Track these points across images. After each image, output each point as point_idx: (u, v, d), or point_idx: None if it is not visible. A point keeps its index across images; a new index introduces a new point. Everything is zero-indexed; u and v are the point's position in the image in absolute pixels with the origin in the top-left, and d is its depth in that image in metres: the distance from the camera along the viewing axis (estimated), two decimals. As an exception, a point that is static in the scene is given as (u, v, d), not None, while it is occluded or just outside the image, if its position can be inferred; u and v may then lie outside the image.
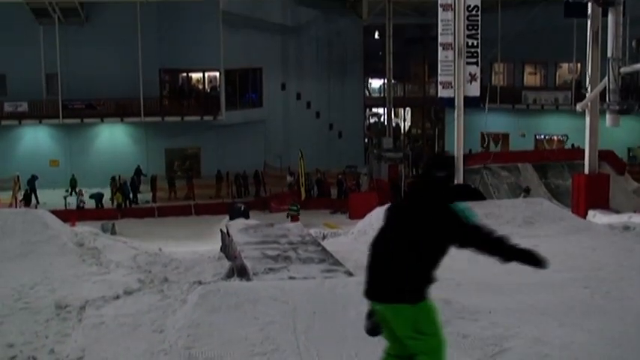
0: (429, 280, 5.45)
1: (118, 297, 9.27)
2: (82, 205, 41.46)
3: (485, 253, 5.66)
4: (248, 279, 9.45)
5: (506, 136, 51.25)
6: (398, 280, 5.38)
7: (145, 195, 43.98)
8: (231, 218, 27.48)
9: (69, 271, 10.85)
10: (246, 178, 45.01)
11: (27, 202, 41.20)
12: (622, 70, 22.93)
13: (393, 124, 52.77)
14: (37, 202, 41.56)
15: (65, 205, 40.80)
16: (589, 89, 24.11)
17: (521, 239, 12.32)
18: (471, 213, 5.49)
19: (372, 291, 5.56)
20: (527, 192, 33.58)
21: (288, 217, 35.71)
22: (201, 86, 49.23)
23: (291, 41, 52.58)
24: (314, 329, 7.34)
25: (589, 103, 24.08)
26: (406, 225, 5.51)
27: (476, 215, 5.52)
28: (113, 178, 42.84)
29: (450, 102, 28.14)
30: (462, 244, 5.55)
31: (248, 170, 44.99)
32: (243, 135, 47.26)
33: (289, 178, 45.76)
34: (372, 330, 5.74)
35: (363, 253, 11.32)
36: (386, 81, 50.62)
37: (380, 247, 5.64)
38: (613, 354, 6.85)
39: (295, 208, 37.31)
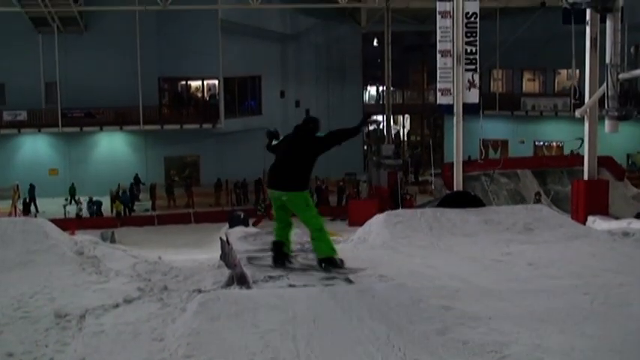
0: (308, 178, 10.25)
1: (117, 305, 9.25)
2: (93, 210, 41.66)
3: (337, 143, 10.47)
4: (248, 287, 9.44)
5: (505, 143, 51.30)
6: (293, 178, 9.98)
7: (144, 203, 44.03)
8: (231, 226, 27.48)
9: (68, 280, 10.84)
10: (245, 186, 45.04)
11: (26, 211, 41.23)
12: (620, 76, 22.96)
13: (393, 132, 52.81)
14: (37, 210, 41.58)
15: (64, 213, 40.84)
16: (586, 96, 24.13)
17: (521, 245, 12.44)
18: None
19: (276, 184, 10.12)
20: (538, 196, 33.65)
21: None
22: (200, 94, 49.31)
23: (290, 49, 52.68)
24: (314, 337, 7.33)
25: (588, 110, 24.11)
26: (295, 147, 10.14)
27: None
28: (133, 183, 43.27)
29: (448, 109, 28.17)
30: (325, 148, 10.27)
31: (248, 178, 45.01)
32: (242, 143, 47.29)
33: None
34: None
35: (363, 261, 11.36)
36: (385, 88, 50.70)
37: (281, 156, 10.24)
38: (613, 360, 6.86)
39: (259, 207, 37.82)
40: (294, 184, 10.00)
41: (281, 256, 10.36)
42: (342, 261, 10.16)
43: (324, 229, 10.22)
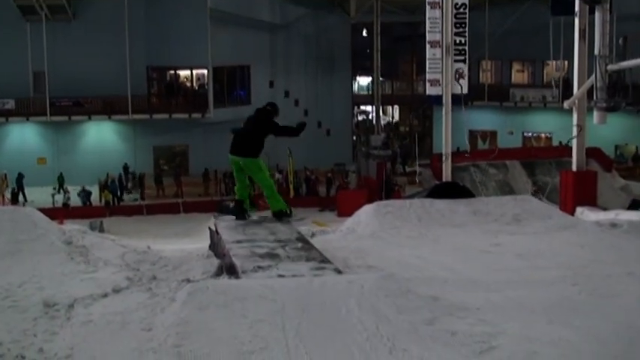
0: (261, 148, 12.47)
1: (106, 295, 9.23)
2: (84, 200, 41.66)
3: (284, 135, 13.09)
4: (237, 277, 9.43)
5: (494, 134, 51.38)
6: (249, 147, 12.45)
7: (134, 195, 44.01)
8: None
9: (57, 269, 10.81)
10: (235, 175, 45.04)
11: (14, 200, 41.10)
12: (609, 67, 22.96)
13: (383, 122, 52.82)
14: (25, 200, 41.45)
15: (53, 202, 40.73)
16: (575, 88, 24.15)
17: (510, 236, 12.48)
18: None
19: (236, 151, 12.60)
20: (535, 187, 33.62)
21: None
22: (189, 84, 49.19)
23: (280, 38, 52.59)
24: (303, 327, 7.34)
25: (576, 101, 24.13)
26: (253, 124, 12.65)
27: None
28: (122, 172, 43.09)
29: (437, 99, 28.14)
30: (274, 132, 12.62)
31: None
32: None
33: (278, 176, 45.80)
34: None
35: (352, 252, 11.38)
36: (374, 78, 50.68)
37: (242, 131, 12.78)
38: (601, 351, 6.88)
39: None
40: (250, 152, 12.48)
41: (241, 211, 12.88)
42: (290, 211, 12.85)
43: (274, 189, 12.99)
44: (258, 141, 12.56)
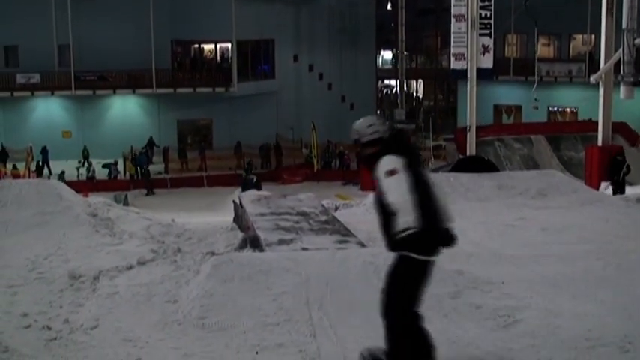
0: None
1: (131, 267, 9.29)
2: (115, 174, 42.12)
3: None
4: (261, 250, 9.46)
5: (518, 108, 51.04)
6: None
7: (157, 166, 44.15)
8: (244, 190, 27.52)
9: (82, 241, 10.89)
10: (269, 149, 45.20)
11: (39, 173, 41.35)
12: (637, 41, 22.78)
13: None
14: (50, 173, 41.70)
15: (77, 176, 40.98)
16: (602, 62, 23.94)
17: (534, 211, 12.43)
18: None
19: None
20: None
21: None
22: (213, 58, 49.14)
23: (304, 12, 52.32)
24: (326, 300, 7.36)
25: (603, 75, 23.95)
26: None
27: None
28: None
29: (462, 74, 28.02)
30: None
31: (257, 142, 45.18)
32: (255, 107, 47.16)
33: (305, 151, 45.84)
34: None
35: (375, 225, 11.34)
36: (398, 52, 50.44)
37: None
38: (625, 325, 6.85)
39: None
40: None
41: None
42: None
43: None
44: None
